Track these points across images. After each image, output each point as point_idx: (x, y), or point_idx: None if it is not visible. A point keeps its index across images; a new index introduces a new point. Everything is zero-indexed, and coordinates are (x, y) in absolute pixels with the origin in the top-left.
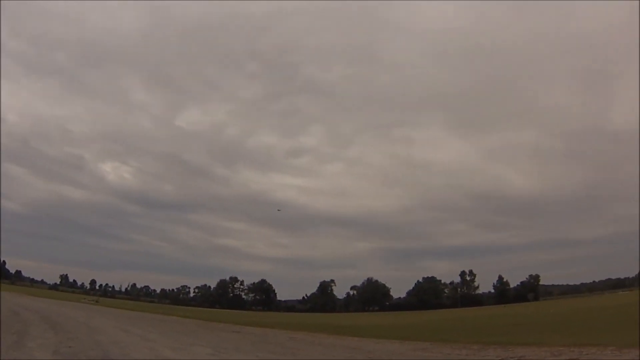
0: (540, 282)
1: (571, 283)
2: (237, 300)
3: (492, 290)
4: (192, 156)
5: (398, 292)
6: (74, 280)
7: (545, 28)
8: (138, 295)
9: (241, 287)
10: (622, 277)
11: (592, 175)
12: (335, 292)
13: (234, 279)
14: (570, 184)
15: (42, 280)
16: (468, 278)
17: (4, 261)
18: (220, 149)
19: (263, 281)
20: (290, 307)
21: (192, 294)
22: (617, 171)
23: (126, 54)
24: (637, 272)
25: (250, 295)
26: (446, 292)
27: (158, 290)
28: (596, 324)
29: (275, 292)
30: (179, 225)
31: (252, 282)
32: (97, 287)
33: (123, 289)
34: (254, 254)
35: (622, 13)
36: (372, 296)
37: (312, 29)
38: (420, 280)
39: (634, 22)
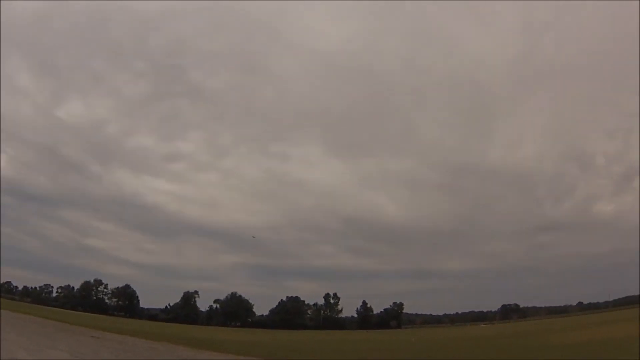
0: (404, 311)
1: (434, 313)
2: (100, 303)
3: (355, 315)
4: (69, 150)
5: (261, 309)
6: None
7: (433, 61)
8: None
9: (105, 290)
10: (485, 310)
11: (464, 210)
12: (198, 304)
13: (98, 282)
14: (442, 217)
15: None
16: (332, 301)
17: None
18: (97, 145)
19: (127, 286)
20: (152, 315)
21: (54, 294)
22: (488, 208)
23: (16, 34)
24: (499, 307)
25: (114, 300)
26: (309, 313)
27: (20, 287)
28: (453, 354)
29: (139, 298)
30: (48, 221)
31: (116, 287)
32: None
33: None
34: (120, 257)
35: (507, 54)
36: (235, 311)
37: (202, 33)
38: (284, 299)
39: (517, 64)
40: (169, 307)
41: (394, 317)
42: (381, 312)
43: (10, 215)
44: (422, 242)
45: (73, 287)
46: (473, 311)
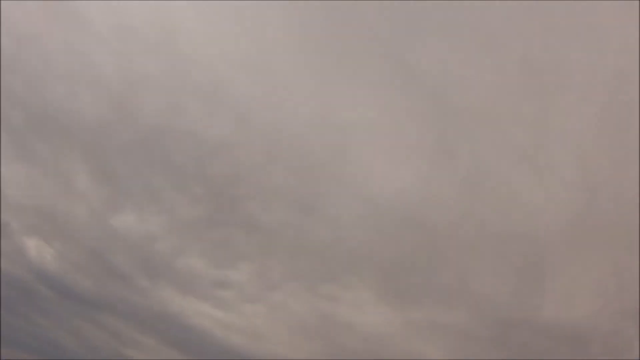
0: None
1: None
2: None
3: None
4: (118, 259)
5: None
6: None
7: (487, 213)
8: None
9: None
10: None
11: None
12: None
13: None
14: None
15: None
16: None
17: None
18: (147, 259)
19: None
20: None
21: None
22: None
23: (81, 136)
24: None
25: None
26: None
27: None
28: None
29: None
30: (88, 322)
31: None
32: None
33: None
34: None
35: (563, 208)
36: None
37: (259, 167)
38: None
39: (573, 220)
40: None
41: None
42: None
43: (50, 309)
44: None
45: None
46: None
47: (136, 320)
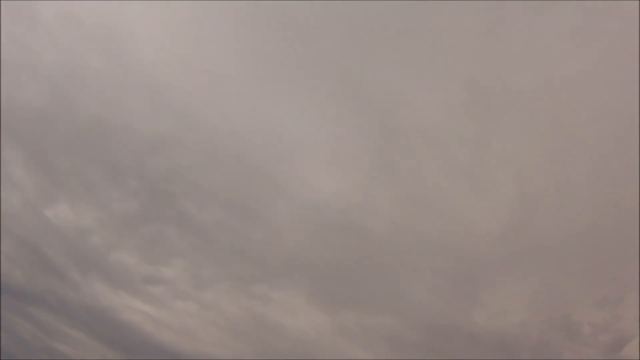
0: None
1: None
2: None
3: None
4: (50, 250)
5: None
6: None
7: (424, 225)
8: None
9: None
10: None
11: None
12: None
13: None
14: None
15: None
16: None
17: None
18: (79, 252)
19: None
20: None
21: None
22: None
23: (18, 125)
24: None
25: None
26: None
27: None
28: None
29: None
30: (16, 315)
31: None
32: None
33: None
34: None
35: (499, 224)
36: None
37: (198, 166)
38: None
39: (508, 235)
40: None
41: None
42: None
43: None
44: None
45: None
46: None
47: (66, 313)
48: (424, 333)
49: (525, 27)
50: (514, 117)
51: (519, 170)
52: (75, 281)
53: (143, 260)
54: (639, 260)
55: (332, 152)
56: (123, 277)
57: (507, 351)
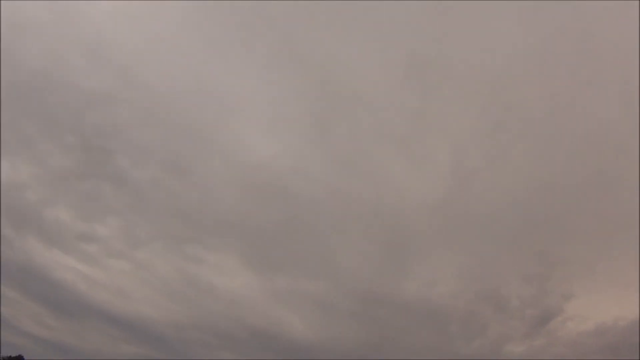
0: None
1: None
2: None
3: None
4: None
5: None
6: None
7: (359, 193)
8: None
9: None
10: None
11: (374, 339)
12: None
13: None
14: (351, 342)
15: None
16: None
17: None
18: (14, 208)
19: (20, 357)
20: None
21: None
22: (399, 340)
23: None
24: None
25: None
26: None
27: None
28: None
29: None
30: None
31: (8, 355)
32: None
33: None
34: (18, 326)
35: (433, 195)
36: None
37: (136, 123)
38: None
39: (441, 206)
40: None
41: None
42: None
43: None
44: None
45: None
46: None
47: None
48: (354, 299)
49: (469, 4)
50: (453, 90)
51: (455, 143)
52: (9, 237)
53: (78, 218)
54: (568, 238)
55: (270, 115)
56: (57, 234)
57: (436, 320)
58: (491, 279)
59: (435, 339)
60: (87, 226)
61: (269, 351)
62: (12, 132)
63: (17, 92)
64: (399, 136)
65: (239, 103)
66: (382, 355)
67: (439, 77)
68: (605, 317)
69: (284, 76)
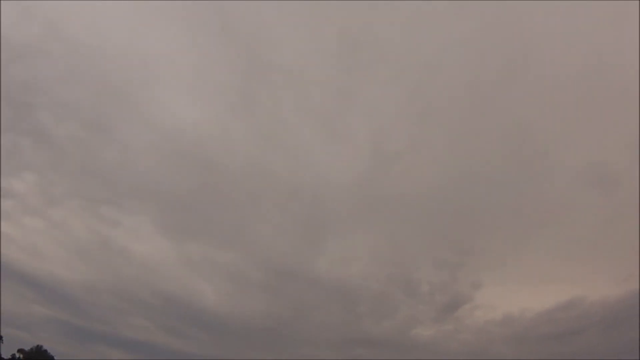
0: None
1: None
2: None
3: None
4: None
5: None
6: None
7: (278, 166)
8: None
9: None
10: None
11: (284, 312)
12: (2, 350)
13: None
14: (261, 314)
15: None
16: None
17: None
18: None
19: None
20: None
21: None
22: (309, 315)
23: None
24: None
25: None
26: None
27: None
28: None
29: None
30: None
31: None
32: None
33: None
34: None
35: (352, 176)
36: None
37: (59, 79)
38: None
39: (360, 187)
40: None
41: None
42: None
43: None
44: (238, 335)
45: None
46: None
47: None
48: (267, 272)
49: None
50: (382, 74)
51: (379, 126)
52: None
53: None
54: (483, 230)
55: (195, 82)
56: None
57: (347, 299)
58: (404, 262)
59: (346, 317)
60: (4, 180)
61: (180, 319)
62: None
63: None
64: (324, 114)
65: (165, 68)
66: (293, 329)
67: (369, 59)
68: (512, 308)
69: (213, 45)
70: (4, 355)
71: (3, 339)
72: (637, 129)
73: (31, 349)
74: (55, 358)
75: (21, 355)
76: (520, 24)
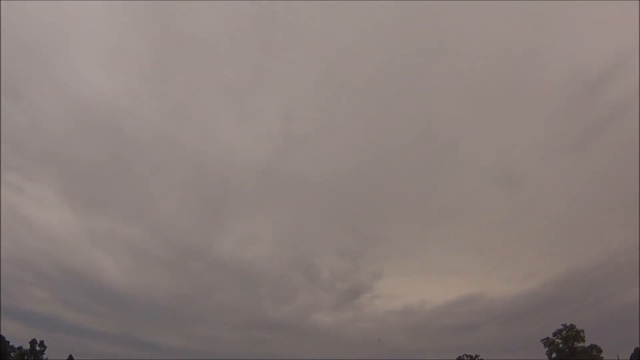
0: None
1: None
2: None
3: None
4: None
5: None
6: None
7: (185, 141)
8: None
9: None
10: None
11: (186, 291)
12: None
13: None
14: (163, 292)
15: None
16: (38, 348)
17: None
18: None
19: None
20: None
21: None
22: (210, 294)
23: None
24: None
25: None
26: (13, 356)
27: None
28: None
29: None
30: None
31: None
32: None
33: None
34: None
35: (261, 157)
36: None
37: None
38: None
39: (268, 170)
40: None
41: None
42: None
43: None
44: (139, 312)
45: None
46: None
47: None
48: (170, 249)
49: None
50: (297, 56)
51: (290, 108)
52: None
53: None
54: (387, 220)
55: (112, 52)
56: None
57: (248, 281)
58: (306, 247)
59: (246, 299)
60: None
61: (82, 293)
62: None
63: None
64: (236, 91)
65: (82, 33)
66: (194, 308)
67: (285, 38)
68: (412, 300)
69: (131, 15)
70: None
71: None
72: (543, 133)
73: None
74: None
75: None
76: (438, 20)
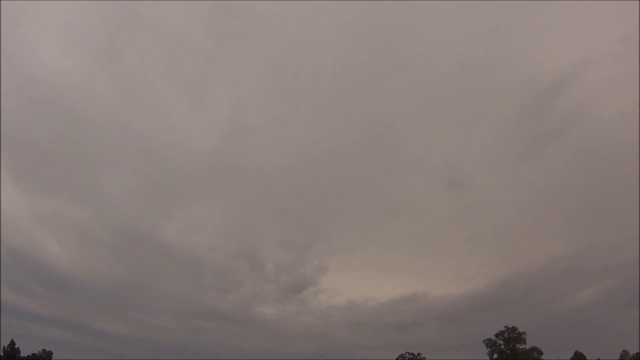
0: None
1: None
2: None
3: (1, 354)
4: None
5: None
6: None
7: (134, 124)
8: None
9: None
10: None
11: (129, 276)
12: None
13: None
14: (106, 276)
15: None
16: None
17: None
18: None
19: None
20: None
21: None
22: (153, 281)
23: None
24: None
25: None
26: None
27: None
28: None
29: None
30: None
31: None
32: None
33: None
34: None
35: (209, 143)
36: None
37: None
38: None
39: (215, 157)
40: None
41: None
42: (29, 356)
43: None
44: (83, 296)
45: None
46: None
47: None
48: (116, 234)
49: None
50: (250, 45)
51: (240, 98)
52: None
53: None
54: (334, 215)
55: (65, 31)
56: None
57: (193, 269)
58: (252, 238)
59: (191, 287)
60: None
61: (27, 277)
62: None
63: None
64: (188, 78)
65: (36, 11)
66: (137, 294)
67: (240, 28)
68: (356, 295)
69: None
70: None
71: None
72: (494, 138)
73: None
74: None
75: None
76: (393, 22)
